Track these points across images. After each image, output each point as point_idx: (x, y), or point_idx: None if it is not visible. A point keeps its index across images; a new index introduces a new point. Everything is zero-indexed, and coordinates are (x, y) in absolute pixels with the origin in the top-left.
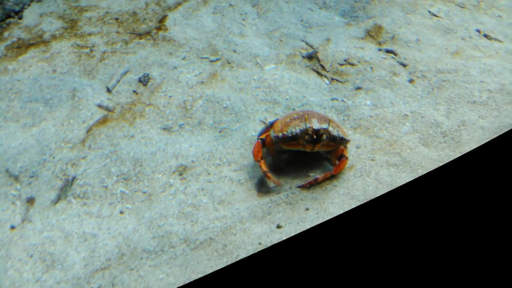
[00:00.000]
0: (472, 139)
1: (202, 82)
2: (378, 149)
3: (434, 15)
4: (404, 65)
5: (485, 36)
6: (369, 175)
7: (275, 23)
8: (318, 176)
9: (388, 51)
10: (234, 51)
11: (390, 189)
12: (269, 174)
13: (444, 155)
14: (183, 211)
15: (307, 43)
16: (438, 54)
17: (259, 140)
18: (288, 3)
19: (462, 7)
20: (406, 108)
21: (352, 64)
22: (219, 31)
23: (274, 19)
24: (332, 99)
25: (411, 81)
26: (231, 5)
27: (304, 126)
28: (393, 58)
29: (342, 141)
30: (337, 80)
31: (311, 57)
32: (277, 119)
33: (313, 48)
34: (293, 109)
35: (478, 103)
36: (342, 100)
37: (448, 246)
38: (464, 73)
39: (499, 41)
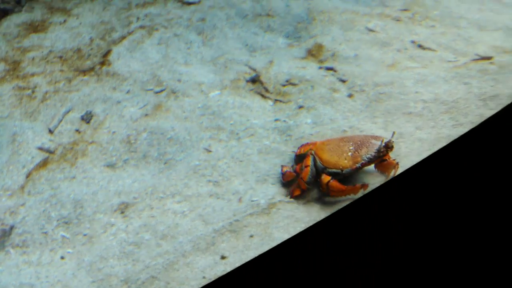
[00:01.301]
0: (412, 152)
1: (147, 115)
2: None
3: (371, 30)
4: (343, 81)
5: (419, 46)
6: (313, 196)
7: (220, 50)
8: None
9: (328, 69)
10: (179, 80)
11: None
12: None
13: None
14: (124, 251)
15: (250, 67)
16: (375, 68)
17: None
18: (233, 29)
19: (397, 20)
20: (345, 123)
21: (293, 84)
22: (164, 61)
23: (219, 45)
24: (276, 120)
25: (350, 95)
26: (176, 35)
27: (376, 146)
28: (333, 75)
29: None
30: (280, 101)
31: (255, 80)
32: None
33: (255, 72)
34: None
35: (414, 114)
36: (284, 121)
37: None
38: (399, 84)
39: (433, 50)
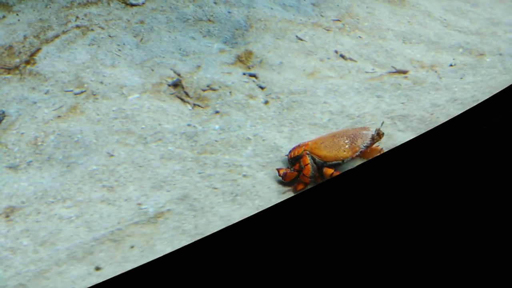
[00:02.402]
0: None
1: (59, 117)
2: (216, 175)
3: (300, 39)
4: (262, 88)
5: (341, 56)
6: (204, 207)
7: (151, 53)
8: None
9: (251, 75)
10: (101, 82)
11: (225, 224)
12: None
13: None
14: None
15: (175, 71)
16: (295, 76)
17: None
18: (172, 33)
19: (328, 30)
20: (251, 130)
21: (214, 89)
22: (91, 62)
23: (152, 48)
24: (188, 125)
25: (266, 102)
26: (110, 36)
27: (369, 136)
28: (254, 81)
29: None
30: (199, 106)
31: (176, 84)
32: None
33: (179, 76)
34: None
35: (319, 125)
36: (194, 126)
37: None
38: (312, 93)
39: (354, 60)
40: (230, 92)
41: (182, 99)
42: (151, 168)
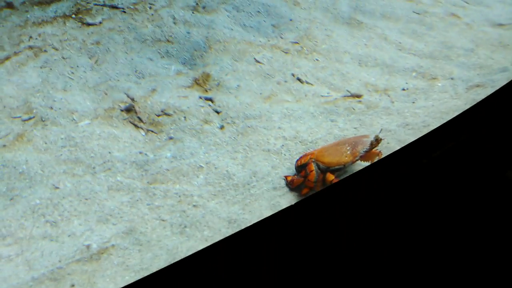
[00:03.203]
0: (262, 194)
1: (4, 146)
2: (165, 206)
3: (258, 61)
4: (218, 112)
5: (298, 79)
6: (150, 241)
7: (106, 75)
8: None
9: (207, 99)
10: (51, 107)
11: (172, 259)
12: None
13: (234, 212)
14: None
15: (128, 96)
16: (252, 99)
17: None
18: (128, 54)
19: (286, 52)
20: (204, 158)
21: (168, 115)
22: (42, 86)
23: (107, 71)
24: (140, 153)
25: (221, 127)
26: (63, 58)
27: (368, 142)
28: (210, 105)
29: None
30: (153, 131)
31: (129, 109)
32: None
33: (133, 101)
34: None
35: (272, 152)
36: (146, 154)
37: None
38: (267, 118)
39: (310, 84)
40: (184, 117)
41: (135, 125)
42: (97, 201)
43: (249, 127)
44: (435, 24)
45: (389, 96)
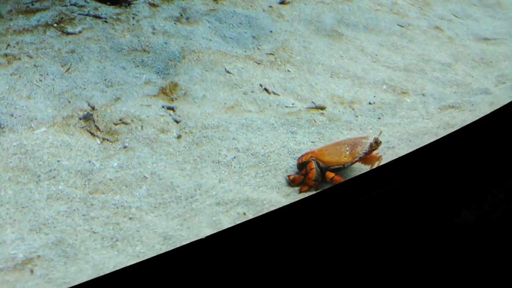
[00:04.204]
0: (204, 210)
1: None
2: (100, 217)
3: (228, 72)
4: (177, 122)
5: (265, 90)
6: (78, 254)
7: (73, 83)
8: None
9: (169, 108)
10: (12, 115)
11: (96, 274)
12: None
13: (172, 227)
14: None
15: (89, 104)
16: (214, 110)
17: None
18: (102, 62)
19: (259, 63)
20: (151, 168)
21: (126, 123)
22: (7, 94)
23: (76, 79)
24: (88, 162)
25: (178, 137)
26: (35, 66)
27: (368, 144)
28: (170, 115)
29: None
30: (108, 140)
31: (87, 118)
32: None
33: (93, 109)
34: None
35: (222, 163)
36: (93, 163)
37: None
38: (224, 128)
39: (276, 94)
40: (142, 126)
41: (91, 133)
42: (34, 209)
43: (205, 137)
44: (416, 37)
45: (353, 109)
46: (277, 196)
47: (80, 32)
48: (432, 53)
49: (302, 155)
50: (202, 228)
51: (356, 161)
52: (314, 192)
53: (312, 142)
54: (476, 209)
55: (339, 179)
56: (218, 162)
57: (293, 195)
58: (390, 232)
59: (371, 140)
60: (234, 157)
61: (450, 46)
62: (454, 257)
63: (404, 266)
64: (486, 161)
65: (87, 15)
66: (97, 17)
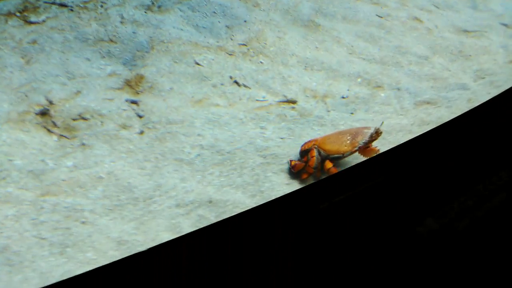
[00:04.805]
0: (162, 212)
1: None
2: (50, 222)
3: (197, 63)
4: (140, 116)
5: (236, 82)
6: (23, 261)
7: (32, 76)
8: None
9: (132, 102)
10: None
11: (43, 284)
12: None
13: (127, 231)
14: None
15: (47, 98)
16: (181, 103)
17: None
18: (65, 53)
19: (230, 54)
20: (108, 167)
21: (85, 119)
22: None
23: (35, 71)
24: (42, 161)
25: (141, 133)
26: None
27: (368, 134)
28: (133, 109)
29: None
30: (65, 137)
31: (44, 113)
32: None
33: (51, 103)
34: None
35: (184, 162)
36: (46, 162)
37: None
38: (189, 124)
39: (247, 87)
40: (101, 122)
41: (48, 130)
42: None
43: (169, 133)
44: (394, 28)
45: (326, 103)
46: (242, 196)
47: (43, 21)
48: (410, 45)
49: (305, 142)
50: (160, 232)
51: (355, 150)
52: (313, 181)
53: (281, 138)
54: (441, 217)
55: (335, 171)
56: (181, 160)
57: (259, 196)
58: (348, 241)
59: (372, 130)
60: (198, 155)
61: (428, 38)
62: (414, 266)
63: (360, 274)
64: (456, 164)
65: (53, 3)
66: (63, 5)
